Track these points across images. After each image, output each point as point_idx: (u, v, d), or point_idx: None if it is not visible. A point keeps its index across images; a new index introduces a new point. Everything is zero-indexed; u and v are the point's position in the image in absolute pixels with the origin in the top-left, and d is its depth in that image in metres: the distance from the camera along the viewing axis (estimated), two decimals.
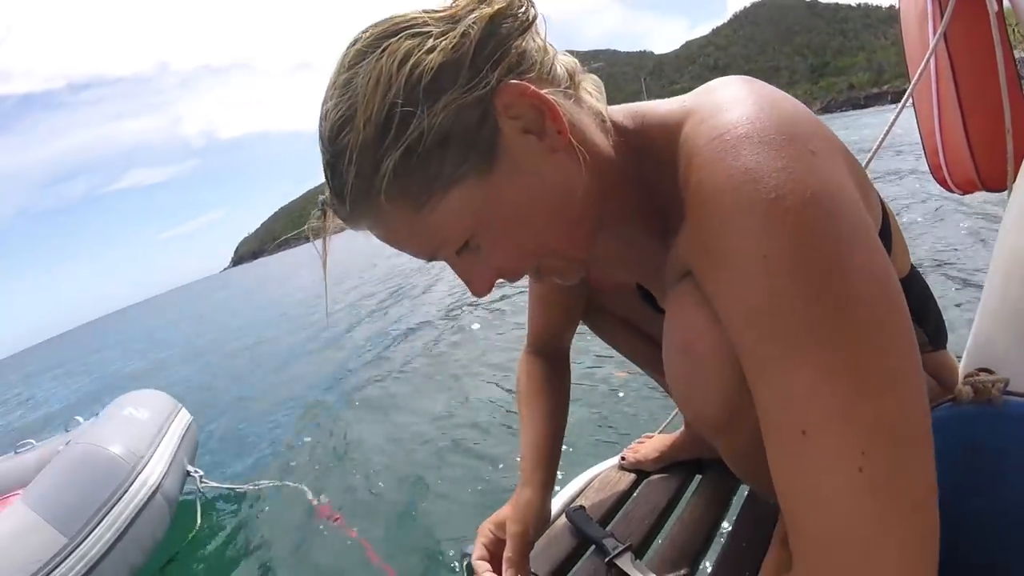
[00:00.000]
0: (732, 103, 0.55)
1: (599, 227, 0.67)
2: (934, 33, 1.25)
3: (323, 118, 0.57)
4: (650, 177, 0.65)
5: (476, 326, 6.81)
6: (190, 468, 3.99)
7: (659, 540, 1.08)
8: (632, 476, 1.26)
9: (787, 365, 0.47)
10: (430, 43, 0.53)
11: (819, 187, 0.48)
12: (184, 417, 4.36)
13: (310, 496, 3.71)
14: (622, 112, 0.68)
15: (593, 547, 1.02)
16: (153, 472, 3.50)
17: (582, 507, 1.10)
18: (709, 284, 0.55)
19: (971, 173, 1.34)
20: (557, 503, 1.16)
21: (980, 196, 1.46)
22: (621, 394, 3.77)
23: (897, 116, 1.27)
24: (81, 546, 2.96)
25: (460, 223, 0.58)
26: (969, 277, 3.93)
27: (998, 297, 1.04)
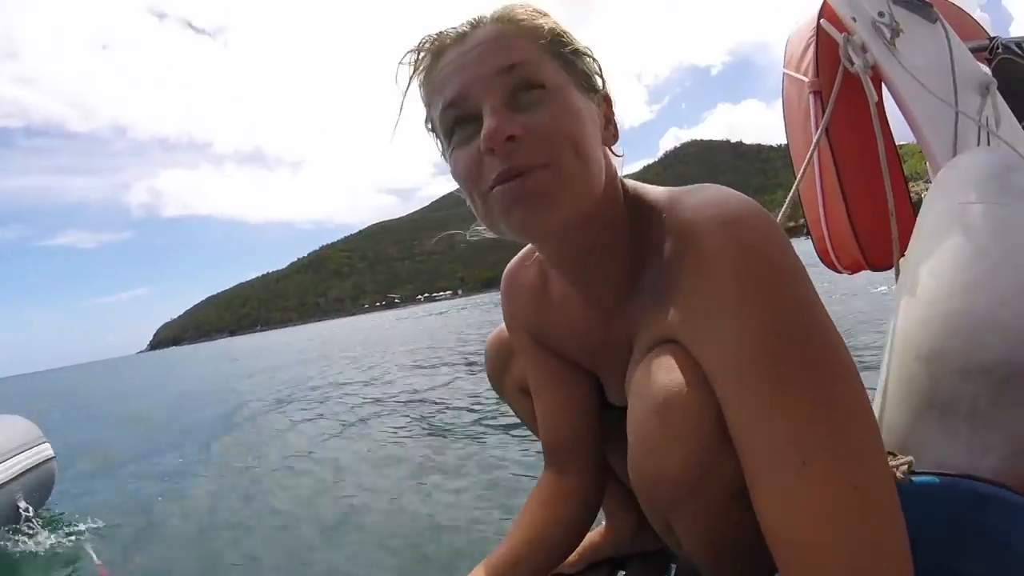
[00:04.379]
0: (725, 196, 0.67)
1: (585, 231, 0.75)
2: (816, 128, 1.33)
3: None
4: (638, 225, 0.77)
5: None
6: (21, 504, 3.94)
7: None
8: None
9: (784, 402, 0.55)
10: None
11: (798, 262, 0.61)
12: (42, 451, 4.26)
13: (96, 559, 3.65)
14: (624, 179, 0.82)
15: None
16: None
17: None
18: (708, 340, 0.63)
19: (857, 255, 1.42)
20: None
21: (868, 276, 1.55)
22: None
23: (786, 206, 1.34)
24: None
25: (554, 77, 0.71)
26: (865, 358, 4.03)
27: (894, 378, 1.07)
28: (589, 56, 0.77)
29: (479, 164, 0.70)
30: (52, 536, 3.99)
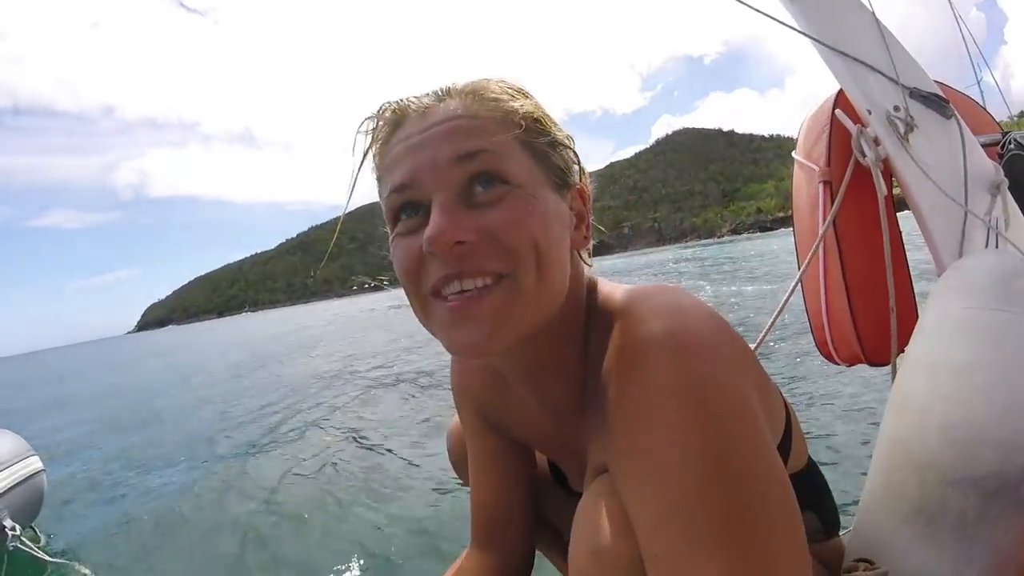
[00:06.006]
0: (674, 311, 0.60)
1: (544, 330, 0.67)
2: (823, 220, 1.33)
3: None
4: (595, 335, 0.70)
5: None
6: (7, 523, 3.73)
7: None
8: None
9: (700, 562, 0.49)
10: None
11: (739, 392, 0.55)
12: (29, 466, 4.05)
13: None
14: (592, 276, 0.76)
15: None
16: None
17: None
18: (629, 483, 0.57)
19: (856, 348, 1.41)
20: None
21: (870, 371, 1.54)
22: None
23: (788, 299, 1.34)
24: None
25: (521, 172, 0.63)
26: (859, 456, 3.90)
27: (881, 482, 1.06)
28: (567, 147, 0.70)
29: (420, 262, 0.63)
30: (42, 557, 3.77)
